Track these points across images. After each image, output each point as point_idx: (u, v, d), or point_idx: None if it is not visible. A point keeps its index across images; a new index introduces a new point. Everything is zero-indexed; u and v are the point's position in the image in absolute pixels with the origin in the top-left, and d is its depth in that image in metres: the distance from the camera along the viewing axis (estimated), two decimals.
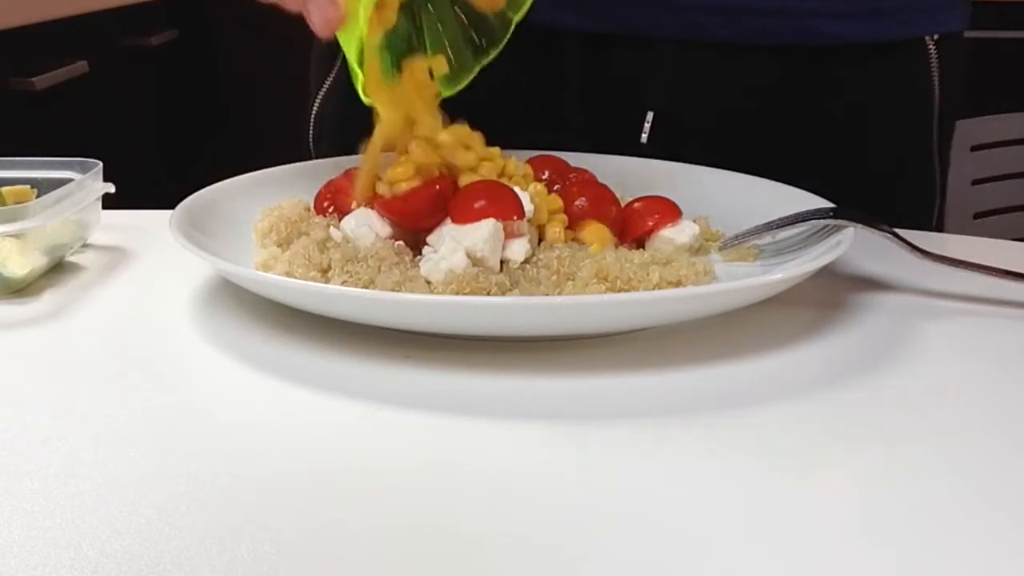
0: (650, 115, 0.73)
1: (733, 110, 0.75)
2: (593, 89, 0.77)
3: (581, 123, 0.77)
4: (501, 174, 0.58)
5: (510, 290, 0.52)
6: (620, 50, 0.75)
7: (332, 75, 0.83)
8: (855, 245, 0.56)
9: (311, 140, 0.86)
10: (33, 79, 1.59)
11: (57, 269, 0.60)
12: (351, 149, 0.69)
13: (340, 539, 0.36)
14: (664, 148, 0.72)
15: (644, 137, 0.72)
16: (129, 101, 2.01)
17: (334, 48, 0.83)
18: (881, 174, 0.68)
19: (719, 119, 0.75)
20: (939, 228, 0.82)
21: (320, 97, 0.84)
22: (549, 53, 0.76)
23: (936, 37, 0.76)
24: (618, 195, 0.60)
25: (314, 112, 0.85)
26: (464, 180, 0.56)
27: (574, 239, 0.57)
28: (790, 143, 0.74)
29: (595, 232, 0.57)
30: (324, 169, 0.65)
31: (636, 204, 0.61)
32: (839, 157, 0.73)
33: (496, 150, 0.59)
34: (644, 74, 0.75)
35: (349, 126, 0.83)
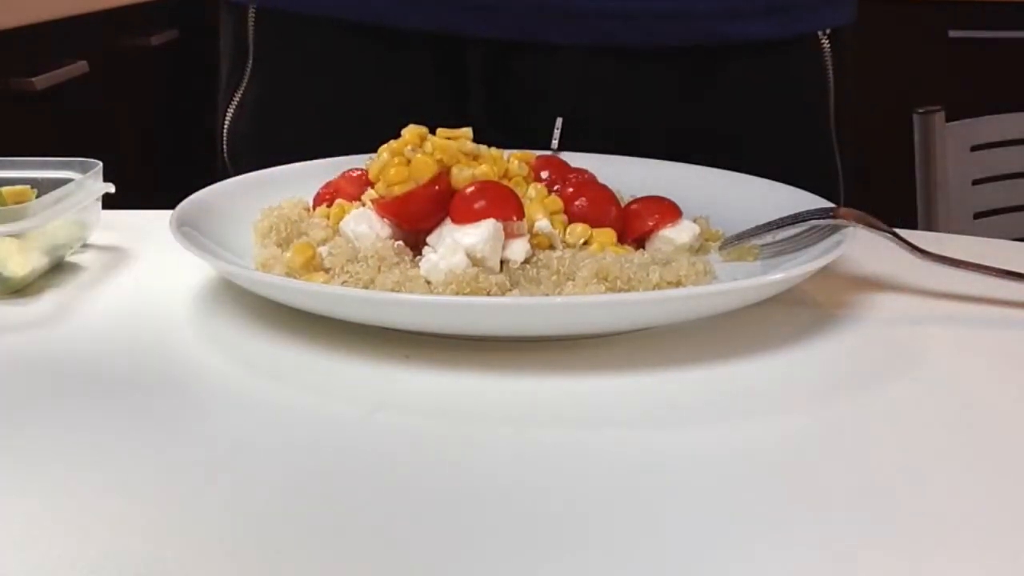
0: (559, 121, 0.73)
1: (639, 114, 0.77)
2: (499, 96, 0.77)
3: (488, 131, 0.77)
4: (502, 175, 0.58)
5: (510, 290, 0.52)
6: (524, 57, 0.75)
7: (242, 87, 0.82)
8: (855, 245, 0.56)
9: (224, 155, 0.84)
10: (33, 79, 1.59)
11: (57, 269, 0.60)
12: (268, 162, 0.68)
13: (340, 538, 0.36)
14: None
15: (554, 144, 0.73)
16: (129, 101, 2.01)
17: (242, 58, 0.82)
18: (784, 169, 0.70)
19: (626, 123, 0.76)
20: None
21: (231, 111, 0.83)
22: (453, 61, 0.76)
23: (828, 32, 0.80)
24: (618, 195, 0.60)
25: (225, 126, 0.83)
26: (458, 183, 0.56)
27: (584, 243, 0.57)
28: (697, 143, 0.75)
29: (601, 236, 0.57)
30: (324, 169, 0.65)
31: (636, 204, 0.61)
32: (742, 154, 0.74)
33: (497, 151, 0.59)
34: (550, 80, 0.76)
35: (265, 140, 0.82)
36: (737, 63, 0.77)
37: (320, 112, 0.79)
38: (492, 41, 0.75)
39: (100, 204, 0.64)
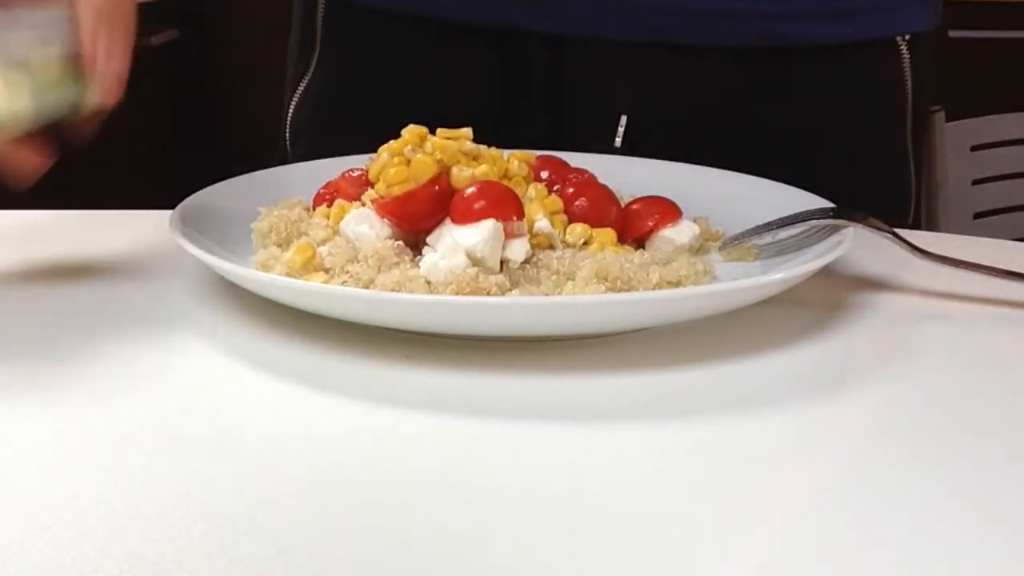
0: (624, 118, 0.73)
1: (701, 112, 0.75)
2: (560, 92, 0.77)
3: (549, 127, 0.76)
4: (503, 175, 0.58)
5: (510, 290, 0.52)
6: (585, 52, 0.75)
7: (308, 75, 0.83)
8: (855, 245, 0.56)
9: (287, 142, 0.85)
10: None
11: (57, 270, 0.60)
12: (328, 151, 0.69)
13: (340, 539, 0.36)
14: (637, 151, 0.72)
15: (618, 141, 0.72)
16: (129, 101, 2.01)
17: (309, 48, 0.83)
18: (854, 174, 0.69)
19: (690, 122, 0.75)
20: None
21: (296, 98, 0.84)
22: (513, 55, 0.76)
23: (907, 37, 0.77)
24: (618, 195, 0.60)
25: (290, 113, 0.85)
26: (458, 183, 0.56)
27: (584, 243, 0.57)
28: (761, 144, 0.74)
29: (601, 236, 0.57)
30: (324, 169, 0.65)
31: (636, 204, 0.61)
32: (811, 157, 0.73)
33: (496, 151, 0.59)
34: (611, 77, 0.75)
35: (326, 128, 0.83)
36: (805, 65, 0.74)
37: (382, 102, 0.79)
38: (551, 36, 0.75)
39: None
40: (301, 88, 0.83)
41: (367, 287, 0.52)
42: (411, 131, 0.58)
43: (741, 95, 0.75)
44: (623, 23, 0.73)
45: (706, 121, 0.75)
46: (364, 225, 0.56)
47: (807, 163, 0.67)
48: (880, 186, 0.78)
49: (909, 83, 0.78)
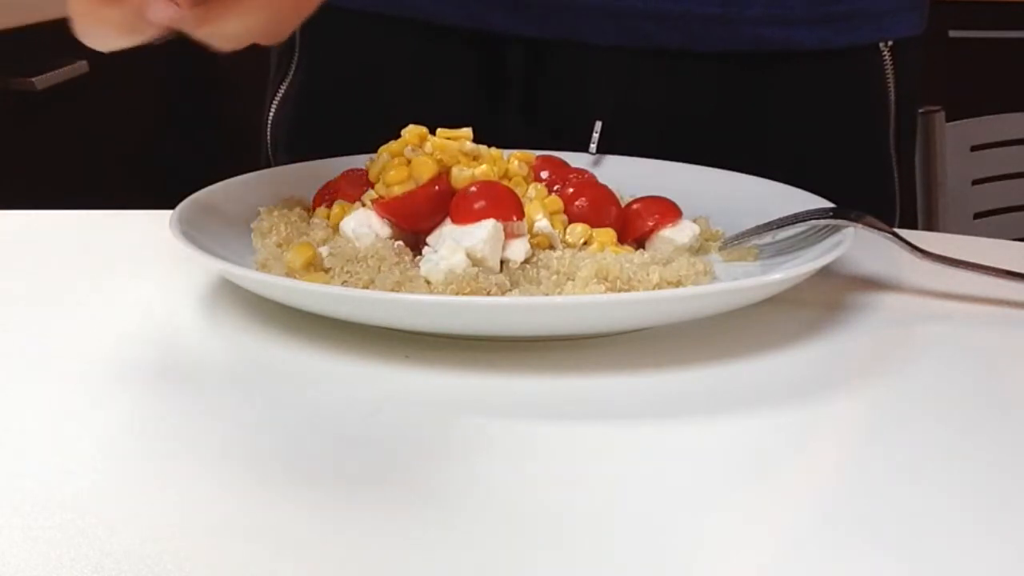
0: (598, 124, 0.72)
1: (681, 117, 0.75)
2: (536, 97, 0.76)
3: (525, 132, 0.76)
4: (503, 175, 0.58)
5: (510, 290, 0.52)
6: (563, 56, 0.74)
7: (288, 77, 0.83)
8: (855, 245, 0.56)
9: (268, 144, 0.85)
10: (33, 79, 1.59)
11: (56, 271, 0.60)
12: (309, 153, 0.69)
13: (340, 539, 0.36)
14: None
15: (593, 147, 0.72)
16: (129, 101, 2.01)
17: (289, 50, 0.83)
18: (835, 180, 0.68)
19: (667, 127, 0.75)
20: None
21: (276, 100, 0.84)
22: (490, 59, 0.76)
23: (890, 43, 0.76)
24: (618, 195, 0.60)
25: (270, 116, 0.84)
26: (458, 183, 0.56)
27: (584, 243, 0.57)
28: (742, 150, 0.74)
29: (601, 236, 0.57)
30: (324, 169, 0.65)
31: (636, 204, 0.61)
32: (792, 163, 0.73)
33: (496, 151, 0.59)
34: (589, 81, 0.75)
35: (306, 130, 0.82)
36: (787, 72, 0.74)
37: (362, 105, 0.79)
38: (530, 39, 0.74)
39: None
40: (282, 90, 0.83)
41: (367, 287, 0.52)
42: (411, 131, 0.58)
43: (722, 100, 0.75)
44: (604, 28, 0.73)
45: (686, 126, 0.75)
46: (364, 225, 0.56)
47: (788, 168, 0.67)
48: (862, 191, 0.77)
49: (892, 88, 0.77)
